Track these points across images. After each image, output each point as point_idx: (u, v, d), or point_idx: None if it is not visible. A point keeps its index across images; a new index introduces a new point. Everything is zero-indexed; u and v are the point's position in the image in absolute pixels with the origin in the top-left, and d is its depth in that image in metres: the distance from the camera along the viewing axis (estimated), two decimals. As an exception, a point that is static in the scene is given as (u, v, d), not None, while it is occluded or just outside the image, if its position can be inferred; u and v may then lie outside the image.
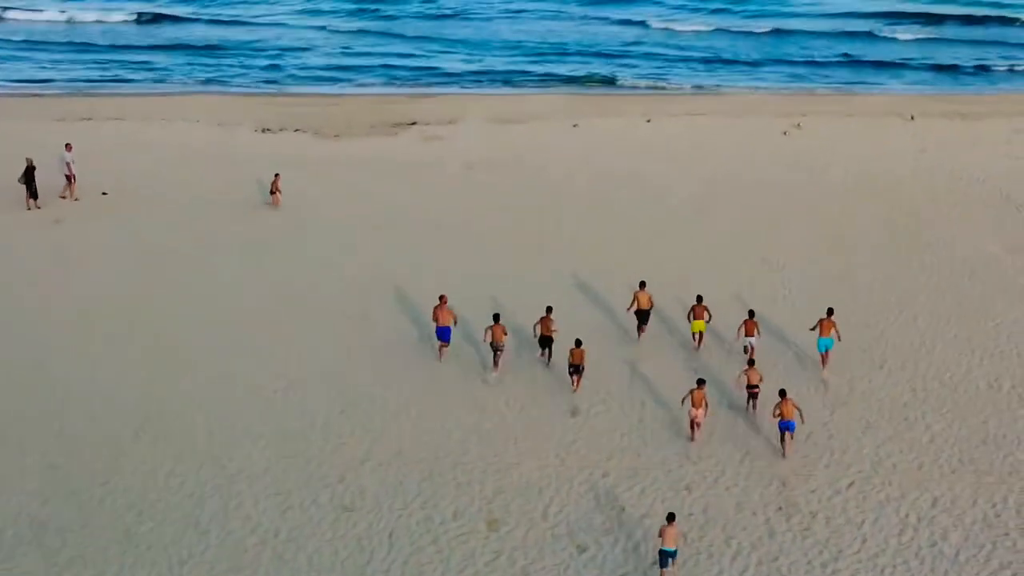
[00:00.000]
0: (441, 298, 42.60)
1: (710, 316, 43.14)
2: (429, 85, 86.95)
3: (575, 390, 40.77)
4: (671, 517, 32.10)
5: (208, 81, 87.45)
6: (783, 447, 37.15)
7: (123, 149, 65.89)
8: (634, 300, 43.63)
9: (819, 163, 64.42)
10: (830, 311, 41.87)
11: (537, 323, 42.01)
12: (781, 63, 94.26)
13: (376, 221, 56.07)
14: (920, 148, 66.84)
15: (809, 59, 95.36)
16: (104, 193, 58.03)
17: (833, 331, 41.19)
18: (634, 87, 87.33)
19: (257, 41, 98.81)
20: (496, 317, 41.79)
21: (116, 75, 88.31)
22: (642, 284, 43.86)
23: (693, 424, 37.55)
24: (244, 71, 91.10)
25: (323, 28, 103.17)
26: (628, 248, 53.28)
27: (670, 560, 31.80)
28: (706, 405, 37.55)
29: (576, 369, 40.33)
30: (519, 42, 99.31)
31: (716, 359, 43.64)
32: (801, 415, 37.01)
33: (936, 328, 46.22)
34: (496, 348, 41.47)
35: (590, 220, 56.64)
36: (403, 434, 39.35)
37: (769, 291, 49.40)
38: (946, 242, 53.60)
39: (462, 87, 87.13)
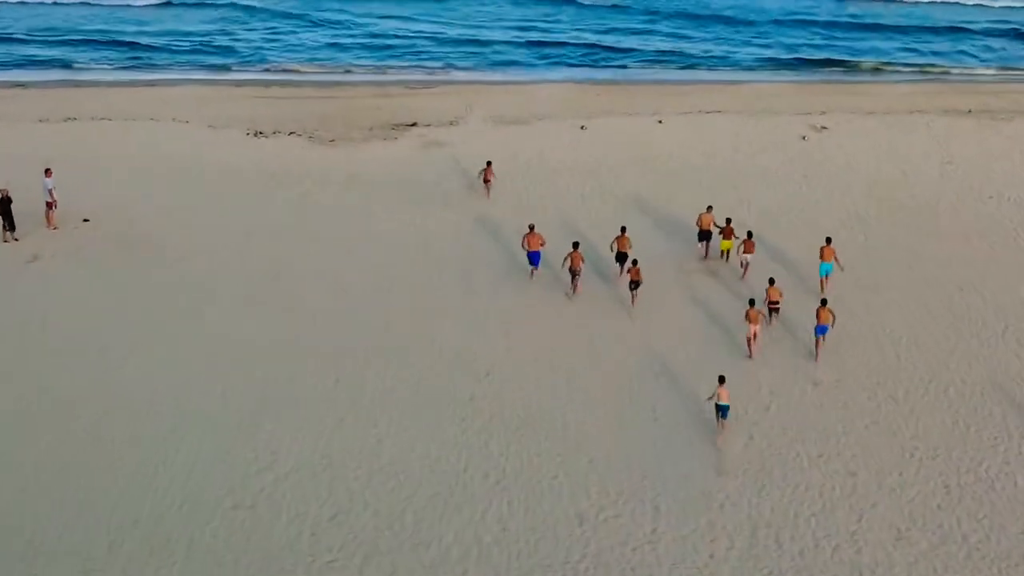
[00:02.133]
0: (531, 227, 48.87)
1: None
2: (431, 72, 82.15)
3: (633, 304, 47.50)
4: (722, 379, 38.62)
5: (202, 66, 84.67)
6: (816, 350, 43.73)
7: (108, 160, 62.65)
8: (698, 221, 50.53)
9: (838, 183, 61.46)
10: (828, 240, 48.26)
11: (613, 241, 48.89)
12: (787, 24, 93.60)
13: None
14: (946, 159, 63.07)
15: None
16: (86, 220, 54.47)
17: (834, 258, 47.54)
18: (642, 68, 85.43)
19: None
20: (576, 245, 47.43)
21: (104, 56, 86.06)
22: (709, 208, 51.03)
23: (750, 340, 43.39)
24: (235, 50, 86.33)
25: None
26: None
27: (724, 415, 38.65)
28: (762, 321, 43.76)
29: (635, 285, 46.82)
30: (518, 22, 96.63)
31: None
32: (834, 319, 43.28)
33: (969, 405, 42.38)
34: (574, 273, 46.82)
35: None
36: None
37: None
38: (976, 287, 50.27)
39: (459, 68, 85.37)
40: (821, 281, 47.88)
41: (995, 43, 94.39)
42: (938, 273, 50.73)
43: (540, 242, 48.23)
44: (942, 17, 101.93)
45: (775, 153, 64.17)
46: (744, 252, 48.83)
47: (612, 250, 48.86)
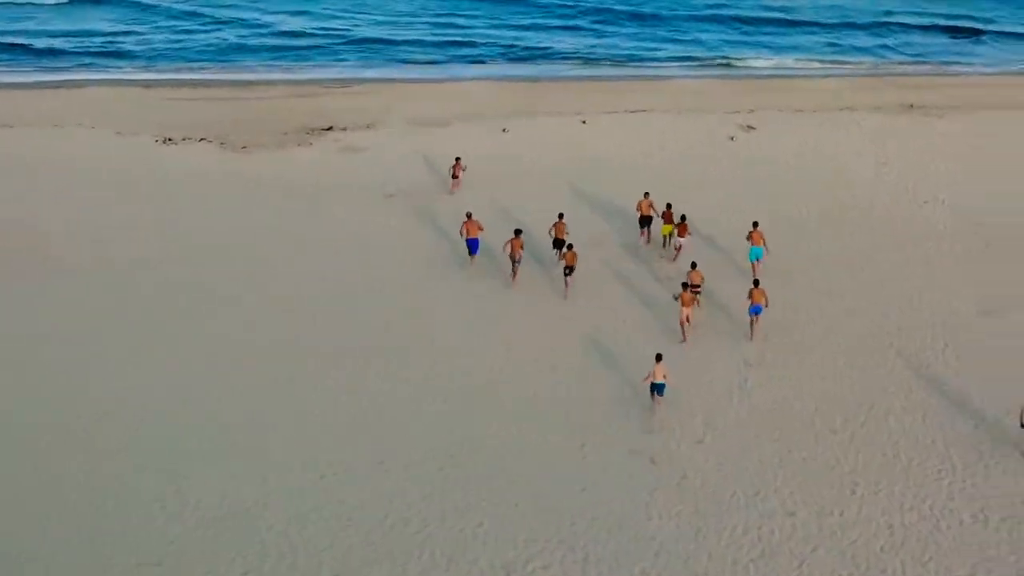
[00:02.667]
0: (468, 215, 49.56)
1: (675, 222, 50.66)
2: (346, 70, 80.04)
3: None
4: (659, 357, 39.38)
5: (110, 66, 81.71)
6: (751, 329, 44.70)
7: (9, 176, 60.01)
8: (638, 207, 51.67)
9: (771, 187, 59.59)
10: (755, 224, 49.21)
11: (551, 227, 49.70)
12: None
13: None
14: (880, 160, 61.06)
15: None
16: (-17, 253, 51.00)
17: (762, 242, 48.35)
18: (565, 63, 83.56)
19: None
20: (517, 232, 48.30)
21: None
22: (646, 194, 51.92)
23: (683, 323, 43.98)
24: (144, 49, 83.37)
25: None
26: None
27: (660, 392, 39.34)
28: (696, 304, 44.46)
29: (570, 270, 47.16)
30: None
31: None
32: (766, 301, 44.02)
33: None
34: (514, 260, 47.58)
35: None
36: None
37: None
38: (913, 301, 48.66)
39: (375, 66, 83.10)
40: (752, 266, 48.38)
41: (917, 37, 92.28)
42: (874, 284, 49.31)
43: (478, 228, 49.00)
44: (864, 9, 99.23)
45: (704, 155, 62.60)
46: (677, 236, 49.81)
47: (550, 236, 49.71)
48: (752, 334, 44.53)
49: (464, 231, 49.41)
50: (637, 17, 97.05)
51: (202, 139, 64.50)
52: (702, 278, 45.94)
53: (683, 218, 50.24)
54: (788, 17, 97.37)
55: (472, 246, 49.58)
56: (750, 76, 79.53)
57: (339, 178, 59.92)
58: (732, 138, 65.24)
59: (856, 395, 41.68)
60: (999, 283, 49.19)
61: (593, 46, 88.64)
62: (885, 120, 67.06)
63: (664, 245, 51.64)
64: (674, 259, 50.23)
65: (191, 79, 77.66)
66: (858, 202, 57.06)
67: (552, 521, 35.27)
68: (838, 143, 64.63)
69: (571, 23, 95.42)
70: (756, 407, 40.92)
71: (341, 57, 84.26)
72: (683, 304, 43.68)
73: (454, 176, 57.04)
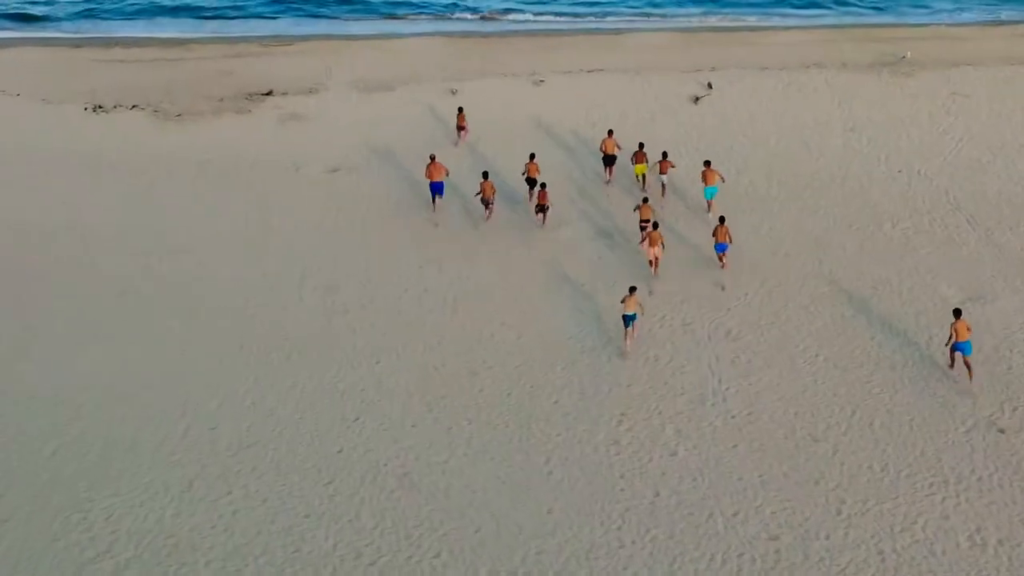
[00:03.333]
0: (432, 157, 50.08)
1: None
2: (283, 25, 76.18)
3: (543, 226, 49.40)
4: (632, 289, 41.04)
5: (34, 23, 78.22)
6: (721, 263, 46.26)
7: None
8: (602, 145, 52.37)
9: (734, 157, 57.05)
10: (707, 162, 50.41)
11: (524, 167, 50.71)
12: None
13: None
14: (848, 125, 58.45)
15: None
16: None
17: (717, 178, 49.58)
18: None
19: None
20: (485, 174, 49.45)
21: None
22: (610, 132, 53.25)
23: (651, 261, 45.19)
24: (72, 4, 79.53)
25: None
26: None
27: (632, 323, 40.71)
28: (662, 244, 45.23)
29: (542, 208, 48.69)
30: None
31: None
32: (730, 238, 45.67)
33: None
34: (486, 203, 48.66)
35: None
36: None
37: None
38: (893, 286, 46.20)
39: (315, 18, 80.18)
40: (709, 204, 49.62)
41: None
42: (850, 269, 46.83)
43: (444, 172, 49.48)
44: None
45: (666, 121, 59.92)
46: (660, 172, 50.82)
47: (523, 174, 50.71)
48: (723, 265, 46.06)
49: (428, 173, 49.55)
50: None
51: (134, 106, 61.42)
52: (652, 211, 46.89)
53: (664, 155, 51.33)
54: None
55: (436, 189, 49.77)
56: (712, 29, 75.28)
57: (282, 151, 57.25)
58: (696, 100, 62.74)
59: (839, 397, 39.41)
60: (984, 264, 46.93)
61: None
62: (852, 79, 64.33)
63: (640, 184, 52.18)
64: (663, 195, 51.59)
65: (120, 37, 73.31)
66: (828, 173, 54.75)
67: (516, 550, 33.06)
68: (805, 105, 62.10)
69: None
70: (731, 413, 38.69)
71: (278, 11, 78.57)
72: (650, 244, 44.91)
73: (460, 127, 56.54)
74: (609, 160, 52.61)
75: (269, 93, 62.49)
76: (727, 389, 39.35)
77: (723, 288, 45.72)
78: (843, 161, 55.50)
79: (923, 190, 52.69)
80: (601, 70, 65.95)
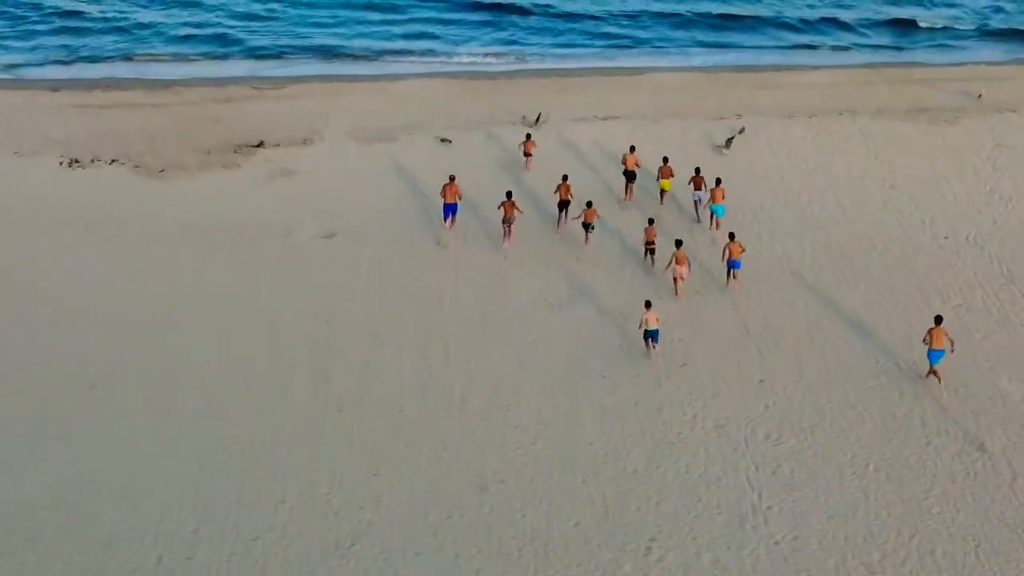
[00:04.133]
0: (451, 177, 50.05)
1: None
2: (281, 63, 71.64)
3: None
4: (648, 304, 41.59)
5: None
6: (729, 281, 46.13)
7: None
8: (623, 160, 52.13)
9: (765, 219, 53.56)
10: (718, 180, 50.22)
11: (556, 188, 50.10)
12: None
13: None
14: (888, 182, 54.48)
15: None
16: None
17: (722, 196, 49.89)
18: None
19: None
20: (509, 194, 48.92)
21: None
22: (632, 148, 52.78)
23: (675, 280, 45.24)
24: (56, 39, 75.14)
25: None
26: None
27: (654, 337, 41.25)
28: (688, 265, 45.35)
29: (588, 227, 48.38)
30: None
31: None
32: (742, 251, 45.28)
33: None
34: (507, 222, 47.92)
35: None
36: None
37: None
38: (947, 379, 41.86)
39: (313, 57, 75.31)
40: (716, 222, 50.14)
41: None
42: (899, 357, 43.23)
43: (458, 194, 49.45)
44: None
45: (688, 175, 54.18)
46: (695, 188, 50.91)
47: (555, 196, 50.18)
48: (729, 284, 46.26)
49: (444, 194, 49.41)
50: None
51: (114, 160, 57.26)
52: (656, 234, 47.00)
53: (697, 170, 50.92)
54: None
55: (450, 210, 49.77)
56: (735, 68, 70.77)
57: (272, 212, 53.39)
58: (728, 142, 59.75)
59: (894, 517, 35.72)
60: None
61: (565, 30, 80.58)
62: (888, 127, 60.27)
63: (661, 200, 52.27)
64: (698, 220, 51.28)
65: (101, 79, 68.79)
66: (868, 239, 50.85)
67: None
68: (838, 158, 58.34)
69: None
70: (774, 538, 35.27)
71: (269, 48, 75.16)
72: (676, 262, 45.00)
73: (527, 154, 55.33)
74: (630, 177, 52.18)
75: (260, 144, 58.59)
76: (768, 507, 35.70)
77: (761, 381, 41.94)
78: (884, 224, 51.61)
79: (973, 259, 48.93)
80: (616, 117, 61.41)
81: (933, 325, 40.29)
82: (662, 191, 52.27)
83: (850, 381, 41.41)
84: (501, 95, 65.55)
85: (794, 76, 69.45)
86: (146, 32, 77.72)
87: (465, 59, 74.18)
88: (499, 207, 49.04)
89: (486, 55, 74.69)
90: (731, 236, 45.77)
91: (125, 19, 79.22)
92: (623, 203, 52.61)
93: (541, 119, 60.60)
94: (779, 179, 55.75)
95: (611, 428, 39.27)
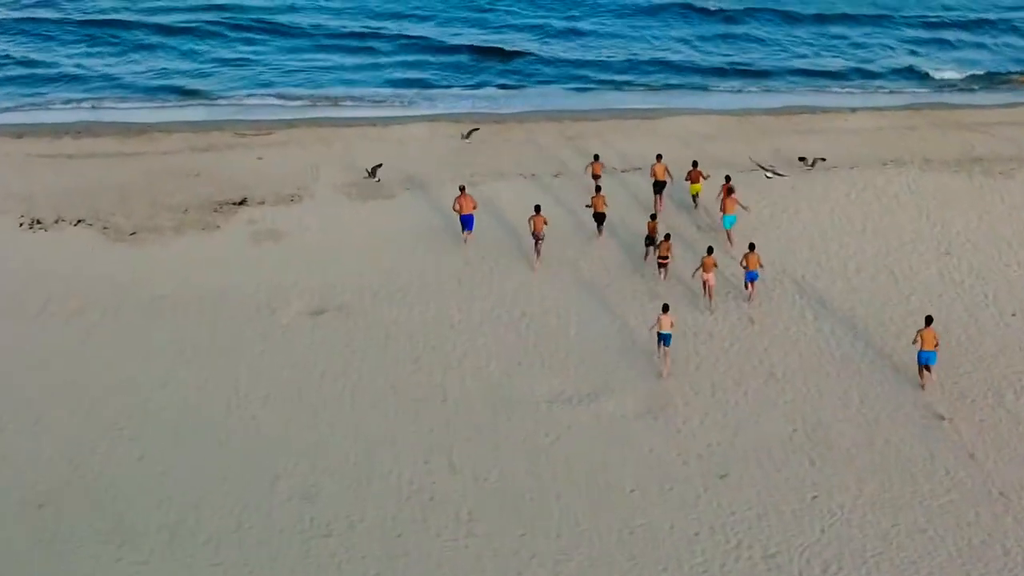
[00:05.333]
0: (461, 188, 49.37)
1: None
2: (268, 105, 66.81)
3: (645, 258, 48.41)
4: (665, 308, 41.76)
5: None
6: (749, 293, 45.73)
7: None
8: (651, 171, 51.29)
9: (808, 294, 48.74)
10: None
11: (590, 200, 49.55)
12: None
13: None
14: (943, 247, 49.62)
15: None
16: None
17: (737, 205, 49.48)
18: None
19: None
20: (537, 208, 47.54)
21: None
22: (658, 156, 51.71)
23: (706, 286, 44.90)
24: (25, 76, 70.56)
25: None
26: None
27: (667, 342, 41.46)
28: (716, 268, 44.85)
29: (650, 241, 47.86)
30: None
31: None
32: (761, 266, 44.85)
33: None
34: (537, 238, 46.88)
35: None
36: None
37: None
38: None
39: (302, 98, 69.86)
40: (727, 233, 49.40)
41: (949, 35, 79.04)
42: (973, 469, 38.64)
43: (472, 205, 49.18)
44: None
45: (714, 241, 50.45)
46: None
47: (589, 208, 49.99)
48: (749, 299, 45.85)
49: (457, 205, 49.31)
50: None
51: (80, 221, 52.56)
52: (670, 250, 46.80)
53: (727, 178, 50.76)
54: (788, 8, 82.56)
55: (467, 222, 49.66)
56: (767, 111, 65.48)
57: (255, 283, 49.01)
58: (770, 171, 56.05)
59: None
60: None
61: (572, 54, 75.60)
62: (939, 181, 55.58)
63: (695, 205, 52.15)
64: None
65: (71, 123, 63.64)
66: (926, 314, 44.61)
67: None
68: (886, 218, 53.58)
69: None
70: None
71: (255, 90, 70.56)
72: (704, 269, 45.03)
73: (595, 176, 53.04)
74: (658, 187, 51.66)
75: (242, 202, 53.99)
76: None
77: (815, 497, 37.63)
78: (941, 299, 47.35)
79: (1045, 343, 42.94)
80: (637, 168, 55.75)
81: (922, 327, 40.61)
82: (694, 196, 52.09)
83: (917, 497, 36.69)
84: (509, 141, 60.31)
85: (831, 120, 64.47)
86: (122, 72, 73.00)
87: (467, 101, 67.47)
88: (528, 221, 47.89)
89: (490, 95, 68.20)
90: (751, 247, 45.47)
91: (99, 60, 74.47)
92: (657, 211, 51.45)
93: (378, 172, 56.23)
94: (821, 243, 51.24)
95: (642, 556, 33.76)
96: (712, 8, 79.86)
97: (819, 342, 44.29)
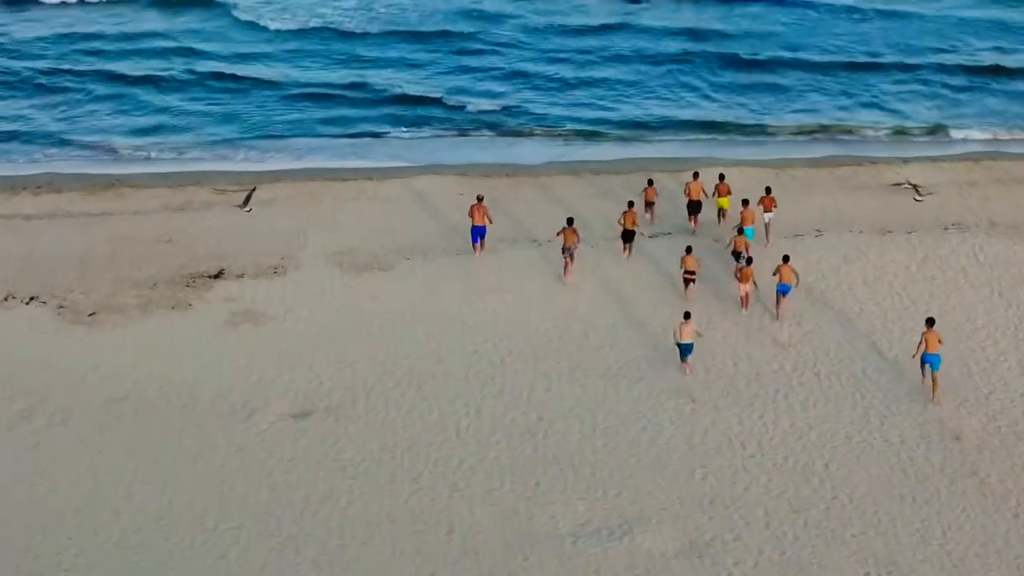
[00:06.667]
0: (479, 197, 48.72)
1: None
2: (252, 156, 60.29)
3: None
4: (687, 315, 41.69)
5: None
6: (777, 309, 45.05)
7: None
8: (686, 190, 50.65)
9: (873, 392, 42.96)
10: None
11: (620, 216, 48.32)
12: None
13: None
14: (1022, 333, 42.56)
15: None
16: None
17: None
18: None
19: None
20: (570, 220, 46.70)
21: None
22: (695, 174, 51.14)
23: (743, 297, 44.88)
24: None
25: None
26: None
27: (689, 353, 41.44)
28: (753, 282, 44.79)
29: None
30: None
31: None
32: (797, 279, 44.51)
33: None
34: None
35: None
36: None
37: None
38: None
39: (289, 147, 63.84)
40: (747, 244, 47.56)
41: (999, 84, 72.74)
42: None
43: (486, 218, 48.05)
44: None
45: (757, 339, 46.04)
46: (765, 210, 49.38)
47: (620, 225, 48.58)
48: (778, 314, 44.74)
49: (471, 215, 48.11)
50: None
51: (33, 298, 47.30)
52: (697, 263, 45.84)
53: (768, 190, 50.41)
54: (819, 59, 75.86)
55: (478, 233, 48.55)
56: (808, 163, 59.51)
57: (230, 378, 43.51)
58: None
59: None
60: None
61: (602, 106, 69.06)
62: (1010, 250, 50.64)
63: (720, 219, 50.96)
64: (767, 238, 50.20)
65: (29, 175, 59.09)
66: (1013, 431, 40.36)
67: None
68: (953, 296, 48.09)
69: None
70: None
71: (237, 138, 64.67)
72: (741, 280, 44.92)
73: (648, 203, 51.71)
74: (694, 207, 50.56)
75: (219, 274, 48.63)
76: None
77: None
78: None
79: None
80: (668, 235, 49.61)
81: (925, 329, 40.49)
82: (720, 210, 50.94)
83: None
84: (522, 201, 54.52)
85: (881, 173, 57.80)
86: (95, 113, 68.18)
87: (478, 151, 61.67)
88: (558, 234, 47.17)
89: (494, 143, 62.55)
90: (785, 259, 44.71)
91: (70, 99, 69.33)
92: (689, 230, 50.70)
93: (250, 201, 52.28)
94: (883, 330, 45.98)
95: None
96: (744, 57, 72.40)
97: (888, 455, 38.47)
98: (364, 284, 48.72)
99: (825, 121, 66.22)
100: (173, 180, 58.62)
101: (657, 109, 67.38)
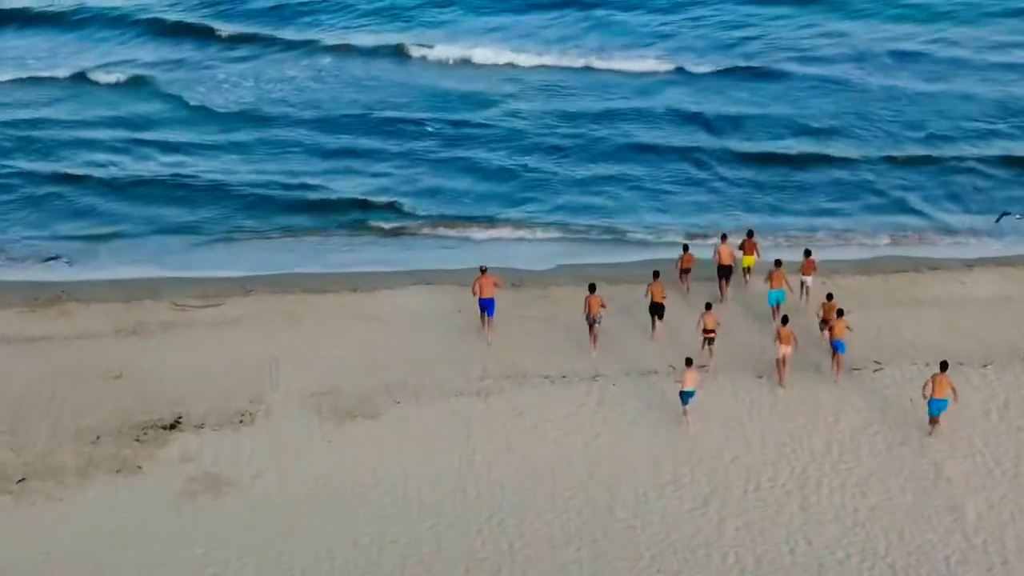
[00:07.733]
0: (482, 269, 46.35)
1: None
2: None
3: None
4: (688, 362, 41.04)
5: None
6: (835, 365, 43.56)
7: None
8: (716, 254, 48.46)
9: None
10: (778, 262, 46.72)
11: (647, 288, 45.78)
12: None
13: None
14: None
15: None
16: None
17: (784, 283, 46.15)
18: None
19: None
20: (592, 287, 44.18)
21: None
22: (723, 236, 48.79)
23: (779, 362, 42.98)
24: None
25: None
26: None
27: (689, 400, 40.65)
28: (795, 341, 42.76)
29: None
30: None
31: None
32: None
33: None
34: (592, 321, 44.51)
35: None
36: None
37: None
38: None
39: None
40: (773, 310, 46.56)
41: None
42: None
43: (493, 287, 46.14)
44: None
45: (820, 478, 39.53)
46: (803, 274, 47.95)
47: (646, 297, 46.03)
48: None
49: (476, 288, 45.75)
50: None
51: (-47, 457, 38.61)
52: (717, 323, 44.13)
53: (807, 252, 48.56)
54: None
55: (486, 306, 46.23)
56: (846, 267, 53.09)
57: (182, 571, 36.39)
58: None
59: None
60: None
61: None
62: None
63: (745, 278, 49.41)
64: (805, 300, 48.30)
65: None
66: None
67: None
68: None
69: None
70: None
71: (200, 234, 58.16)
72: (780, 341, 42.69)
73: (683, 270, 49.35)
74: (725, 272, 48.33)
75: (175, 424, 42.40)
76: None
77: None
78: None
79: None
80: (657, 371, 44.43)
81: (937, 372, 39.48)
82: (746, 269, 48.91)
83: None
84: (523, 324, 49.13)
85: (943, 282, 49.95)
86: (41, 205, 60.96)
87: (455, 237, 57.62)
88: (585, 302, 44.91)
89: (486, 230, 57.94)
90: (839, 313, 43.37)
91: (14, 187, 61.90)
92: (720, 301, 48.19)
93: None
94: (962, 497, 39.09)
95: None
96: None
97: None
98: (346, 437, 42.00)
99: (874, 219, 57.44)
100: (126, 290, 51.58)
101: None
